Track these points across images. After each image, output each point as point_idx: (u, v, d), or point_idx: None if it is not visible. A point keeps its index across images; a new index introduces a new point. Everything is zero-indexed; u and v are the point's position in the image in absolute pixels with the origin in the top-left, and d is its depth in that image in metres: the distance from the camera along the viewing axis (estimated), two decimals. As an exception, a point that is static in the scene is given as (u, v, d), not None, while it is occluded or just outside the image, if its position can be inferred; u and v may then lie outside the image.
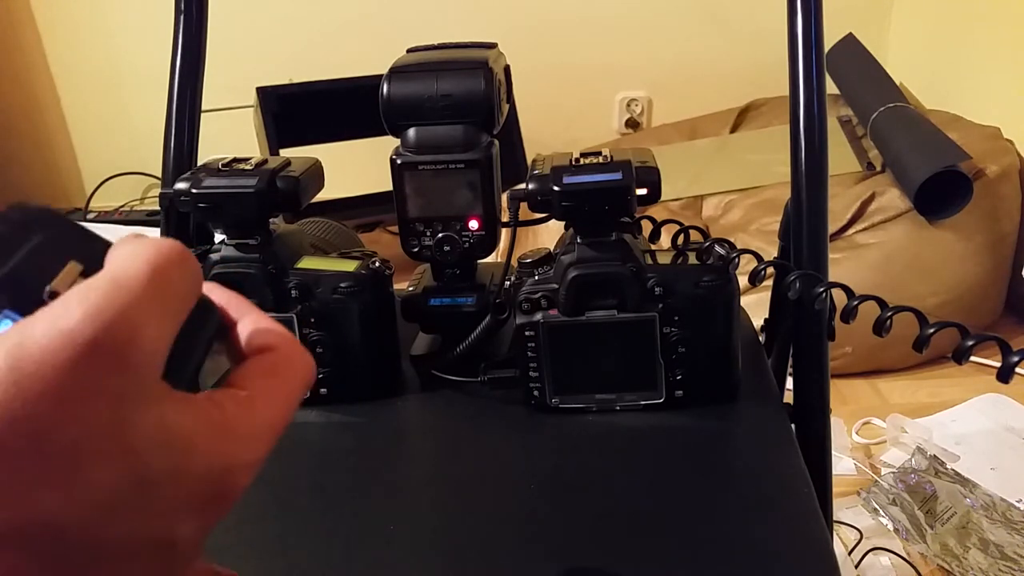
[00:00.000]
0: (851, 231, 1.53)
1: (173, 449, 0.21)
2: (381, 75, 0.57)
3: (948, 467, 1.21)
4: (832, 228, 1.37)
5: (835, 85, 1.93)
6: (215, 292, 0.27)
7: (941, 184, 1.46)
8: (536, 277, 0.54)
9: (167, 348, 0.22)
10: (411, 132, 0.58)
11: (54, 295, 0.21)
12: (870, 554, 1.06)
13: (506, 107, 0.61)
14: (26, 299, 0.21)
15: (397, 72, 0.57)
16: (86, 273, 0.22)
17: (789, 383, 0.63)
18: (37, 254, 0.22)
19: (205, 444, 0.22)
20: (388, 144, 0.60)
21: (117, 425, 0.20)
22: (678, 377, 0.55)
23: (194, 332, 0.24)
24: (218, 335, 0.26)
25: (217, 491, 0.23)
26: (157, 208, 0.62)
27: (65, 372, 0.19)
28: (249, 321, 0.27)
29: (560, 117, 2.24)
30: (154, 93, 0.64)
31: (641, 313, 0.53)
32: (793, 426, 0.57)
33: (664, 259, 0.55)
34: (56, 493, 0.20)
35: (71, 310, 0.20)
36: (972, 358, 0.43)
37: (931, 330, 0.44)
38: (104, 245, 0.23)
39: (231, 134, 1.66)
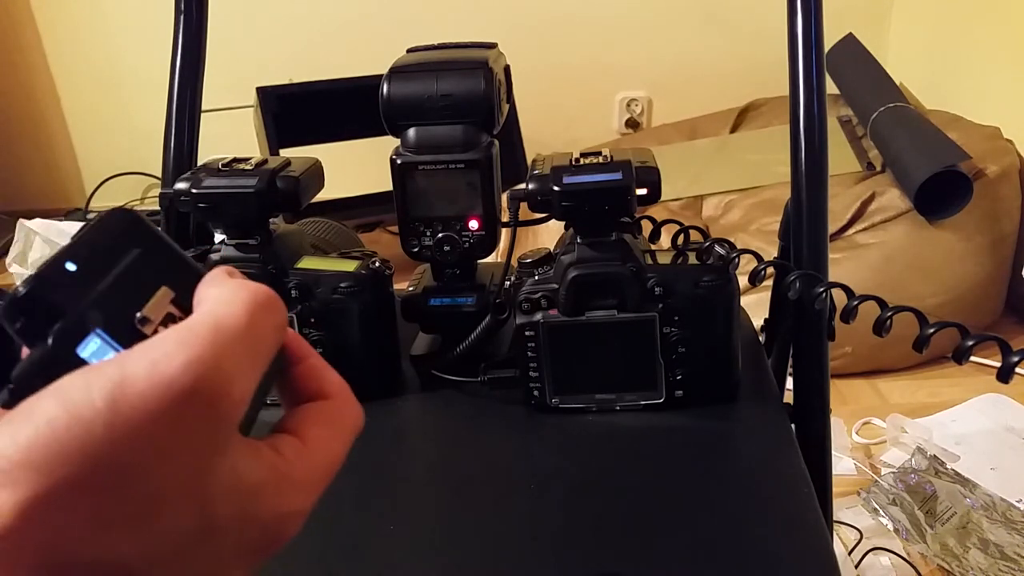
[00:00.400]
0: (851, 231, 1.53)
1: (241, 496, 0.22)
2: (381, 75, 0.57)
3: (948, 467, 1.21)
4: (832, 228, 1.37)
5: (835, 85, 1.93)
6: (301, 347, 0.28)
7: (941, 184, 1.46)
8: (536, 277, 0.54)
9: (251, 397, 0.22)
10: (411, 132, 0.58)
11: (144, 321, 0.22)
12: (870, 554, 1.06)
13: (506, 107, 0.61)
14: (118, 320, 0.21)
15: (397, 72, 0.57)
16: (176, 301, 0.22)
17: (789, 383, 0.63)
18: (132, 272, 0.22)
19: (269, 492, 0.22)
20: (388, 144, 0.60)
21: (198, 474, 0.20)
22: (678, 377, 0.55)
23: (268, 377, 0.24)
24: (279, 375, 0.26)
25: (272, 537, 0.23)
26: (157, 208, 0.61)
27: (160, 421, 0.19)
28: (308, 365, 0.28)
29: (560, 117, 2.24)
30: (154, 93, 0.64)
31: (641, 313, 0.53)
32: (793, 426, 0.57)
33: (664, 259, 0.55)
34: (130, 535, 0.20)
35: (172, 356, 0.20)
36: (972, 358, 0.43)
37: (931, 330, 0.44)
38: (196, 273, 0.23)
39: (231, 134, 1.66)
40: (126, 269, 0.22)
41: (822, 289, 0.50)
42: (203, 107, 0.70)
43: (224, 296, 0.22)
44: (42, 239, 1.82)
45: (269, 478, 0.23)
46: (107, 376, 0.19)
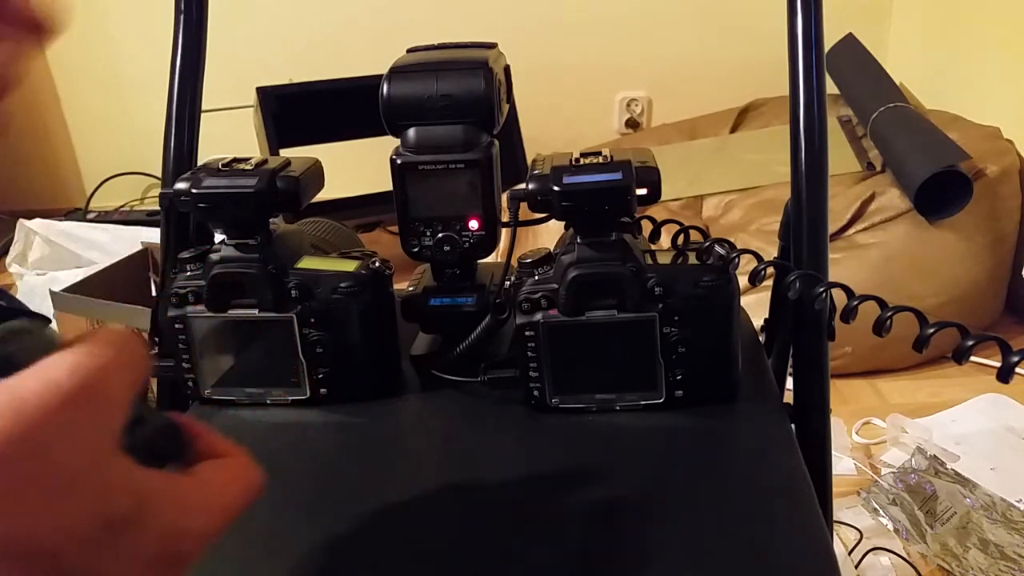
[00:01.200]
0: (851, 231, 1.53)
1: (135, 497, 0.24)
2: (381, 75, 0.57)
3: (948, 467, 1.21)
4: (832, 228, 1.37)
5: (835, 85, 1.93)
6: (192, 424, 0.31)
7: (941, 184, 1.46)
8: (536, 277, 0.54)
9: (126, 409, 0.25)
10: (411, 132, 0.58)
11: None
12: (870, 554, 1.06)
13: (506, 107, 0.61)
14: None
15: (397, 72, 0.57)
16: None
17: (789, 383, 0.63)
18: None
19: (160, 503, 0.25)
20: (388, 144, 0.60)
21: (96, 460, 0.24)
22: (678, 377, 0.55)
23: (149, 418, 0.28)
24: (180, 447, 0.30)
25: (171, 553, 0.25)
26: (157, 208, 0.62)
27: (55, 408, 0.23)
28: (207, 436, 0.31)
29: (560, 117, 2.24)
30: (154, 93, 0.64)
31: (641, 313, 0.53)
32: (793, 426, 0.57)
33: (664, 259, 0.55)
34: (48, 515, 0.23)
35: (58, 364, 0.24)
36: (972, 358, 0.43)
37: (931, 330, 0.44)
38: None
39: (231, 134, 1.66)
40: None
41: (822, 289, 0.50)
42: (203, 107, 0.70)
43: (94, 338, 0.26)
44: (42, 239, 1.82)
45: (164, 488, 0.26)
46: (7, 383, 0.24)
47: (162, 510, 0.25)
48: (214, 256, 0.57)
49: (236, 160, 0.56)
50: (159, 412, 0.29)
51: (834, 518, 0.90)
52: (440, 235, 0.60)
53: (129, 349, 0.26)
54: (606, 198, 0.51)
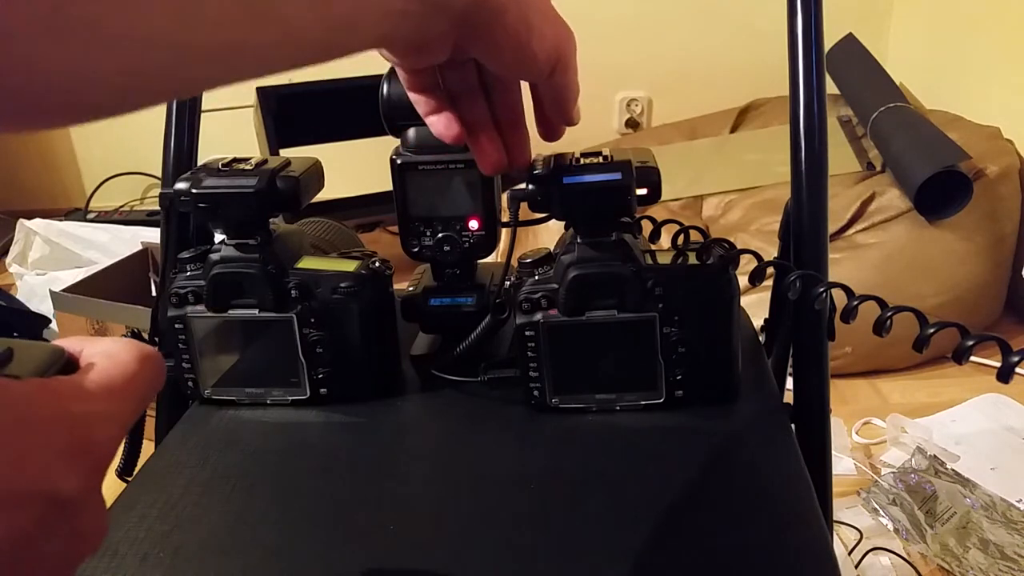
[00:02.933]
0: (851, 231, 1.53)
1: (8, 404, 0.24)
2: (381, 75, 0.57)
3: (948, 467, 1.21)
4: (832, 228, 1.37)
5: (835, 85, 1.93)
6: (72, 343, 0.30)
7: (941, 184, 1.46)
8: (536, 277, 0.54)
9: None
10: (411, 132, 0.58)
11: None
12: (870, 554, 1.06)
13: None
14: None
15: (397, 72, 0.57)
16: None
17: (789, 383, 0.63)
18: None
19: (41, 398, 0.25)
20: (388, 144, 0.60)
21: None
22: (678, 377, 0.55)
23: (26, 350, 0.28)
24: (66, 365, 0.30)
25: (77, 440, 0.25)
26: (157, 208, 0.62)
27: None
28: (89, 344, 0.30)
29: (560, 117, 2.23)
30: (154, 93, 0.63)
31: (641, 313, 0.53)
32: (793, 426, 0.57)
33: (664, 259, 0.55)
34: None
35: None
36: (972, 358, 0.43)
37: (931, 330, 0.44)
38: None
39: (231, 134, 1.66)
40: None
41: (822, 289, 0.50)
42: (203, 107, 0.70)
43: None
44: (42, 239, 1.82)
45: (34, 389, 0.25)
46: None
47: (42, 404, 0.25)
48: (214, 256, 0.57)
49: (236, 160, 0.56)
50: (32, 343, 0.29)
51: (834, 518, 0.90)
52: (440, 235, 0.60)
53: None
54: (606, 198, 0.51)
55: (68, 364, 0.29)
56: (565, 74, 0.41)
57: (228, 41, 0.27)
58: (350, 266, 0.58)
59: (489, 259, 0.64)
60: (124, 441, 0.62)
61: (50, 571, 0.25)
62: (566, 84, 0.42)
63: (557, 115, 0.44)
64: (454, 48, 0.38)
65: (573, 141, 0.48)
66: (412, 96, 0.45)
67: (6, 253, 1.90)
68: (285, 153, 1.28)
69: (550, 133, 0.47)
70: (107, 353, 0.29)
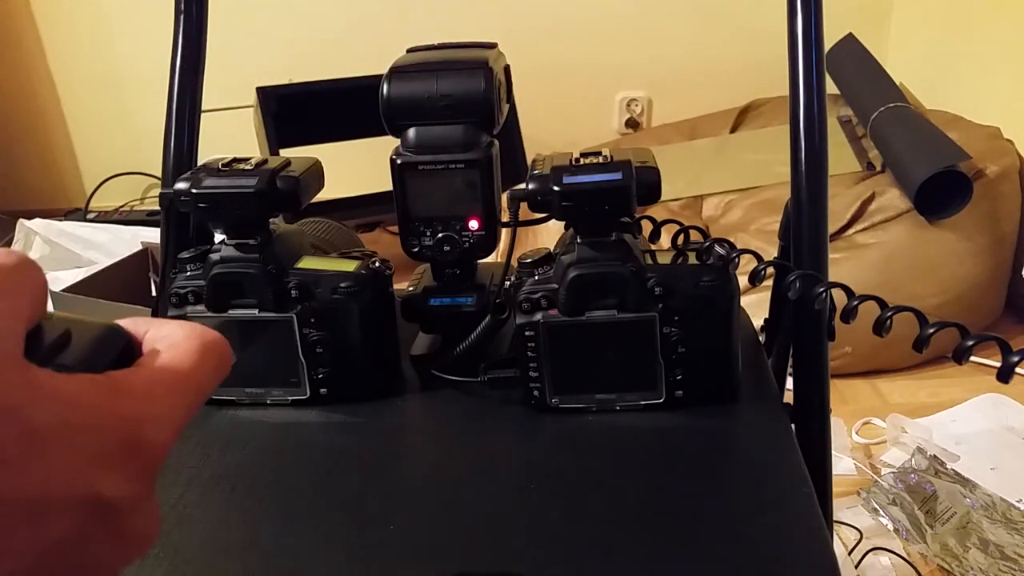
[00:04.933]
0: (851, 231, 1.53)
1: (56, 404, 0.23)
2: (381, 75, 0.57)
3: (948, 467, 1.21)
4: (832, 228, 1.37)
5: (835, 85, 1.93)
6: (137, 324, 0.29)
7: (941, 184, 1.46)
8: (536, 277, 0.54)
9: (20, 328, 0.24)
10: (411, 132, 0.58)
11: None
12: (870, 554, 1.06)
13: (506, 107, 0.61)
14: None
15: (397, 72, 0.57)
16: None
17: (789, 383, 0.63)
18: None
19: (91, 399, 0.24)
20: (388, 144, 0.60)
21: None
22: (678, 377, 0.55)
23: (78, 332, 0.26)
24: (124, 351, 0.27)
25: (127, 443, 0.24)
26: (157, 208, 0.62)
27: None
28: (154, 328, 0.28)
29: (560, 117, 2.24)
30: (154, 93, 0.64)
31: (641, 313, 0.53)
32: (793, 426, 0.57)
33: (664, 259, 0.55)
34: None
35: None
36: (972, 358, 0.43)
37: (931, 330, 0.44)
38: None
39: (231, 134, 1.66)
40: None
41: (822, 289, 0.50)
42: (203, 107, 0.70)
43: None
44: (42, 239, 1.82)
45: (86, 388, 0.24)
46: None
47: (92, 405, 0.24)
48: (214, 256, 0.57)
49: (236, 160, 0.56)
50: (91, 322, 0.26)
51: (834, 518, 0.90)
52: (440, 235, 0.60)
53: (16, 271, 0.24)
54: (606, 198, 0.51)
55: (127, 349, 0.27)
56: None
57: None
58: (350, 266, 0.58)
59: (489, 259, 0.64)
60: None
61: (96, 575, 0.25)
62: None
63: None
64: None
65: (573, 141, 0.48)
66: None
67: (6, 253, 1.89)
68: (285, 153, 1.28)
69: None
70: (170, 341, 0.27)
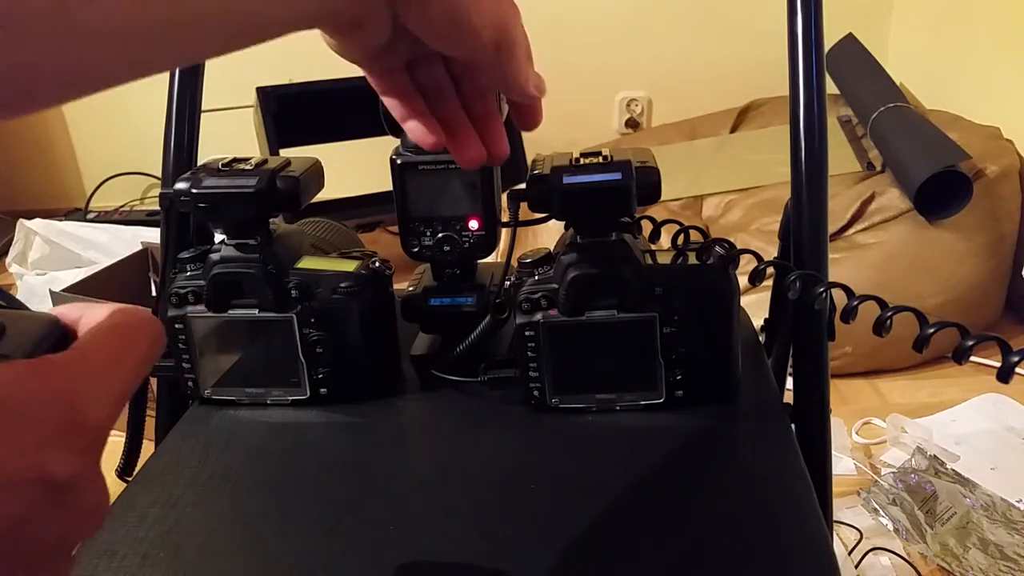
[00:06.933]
0: (851, 231, 1.53)
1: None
2: (381, 75, 0.57)
3: (948, 467, 1.21)
4: (832, 228, 1.37)
5: (835, 85, 1.93)
6: (71, 311, 0.30)
7: (941, 184, 1.46)
8: (536, 277, 0.54)
9: None
10: (411, 132, 0.58)
11: None
12: (870, 554, 1.06)
13: (506, 107, 0.61)
14: None
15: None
16: None
17: (789, 383, 0.63)
18: None
19: (28, 383, 0.24)
20: (388, 144, 0.59)
21: None
22: (678, 377, 0.55)
23: (18, 323, 0.27)
24: (60, 338, 0.28)
25: (68, 422, 0.25)
26: (157, 208, 0.62)
27: None
28: (88, 312, 0.29)
29: (560, 117, 2.22)
30: (154, 93, 0.64)
31: (641, 313, 0.53)
32: (793, 426, 0.57)
33: (664, 259, 0.55)
34: None
35: None
36: (972, 358, 0.43)
37: (931, 330, 0.44)
38: None
39: (231, 134, 1.66)
40: None
41: (822, 289, 0.50)
42: (203, 107, 0.70)
43: None
44: (42, 239, 1.82)
45: (20, 368, 0.25)
46: None
47: (22, 387, 0.24)
48: (214, 256, 0.57)
49: (236, 160, 0.56)
50: (26, 315, 0.28)
51: (834, 518, 0.90)
52: (440, 235, 0.60)
53: None
54: (606, 198, 0.51)
55: (63, 337, 0.28)
56: (512, 51, 0.41)
57: (145, 19, 0.27)
58: (350, 266, 0.58)
59: (489, 259, 0.64)
60: (125, 440, 0.62)
61: (49, 553, 0.25)
62: (514, 61, 0.41)
63: (516, 95, 0.43)
64: (397, 28, 0.37)
65: (573, 141, 0.48)
66: (386, 101, 0.45)
67: (6, 253, 1.90)
68: (285, 153, 1.28)
69: (524, 119, 0.46)
70: (103, 322, 0.28)
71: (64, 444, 0.25)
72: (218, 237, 0.58)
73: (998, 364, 0.40)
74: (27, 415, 0.24)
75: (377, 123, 0.58)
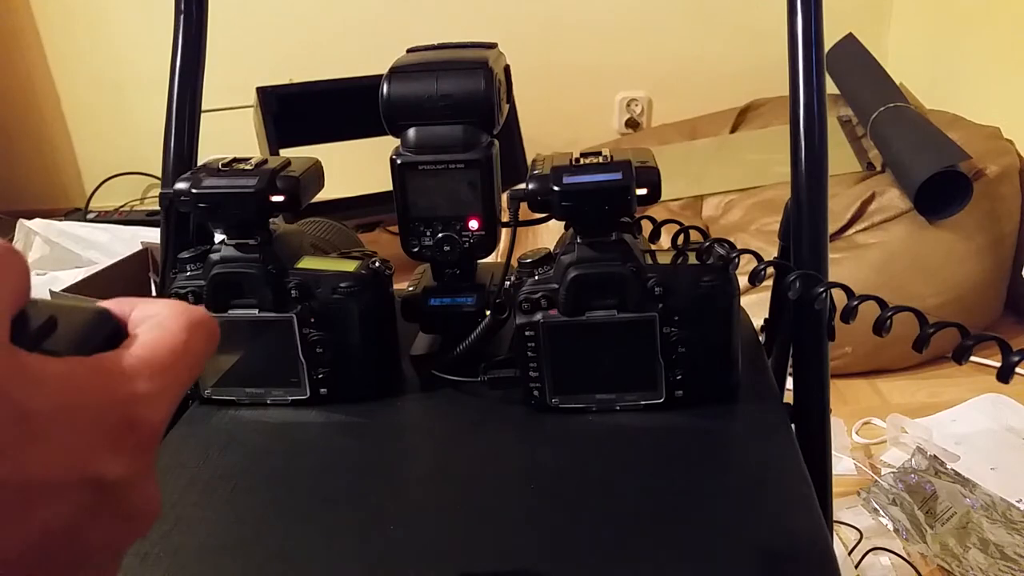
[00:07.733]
0: (851, 231, 1.53)
1: (46, 387, 0.23)
2: (381, 75, 0.57)
3: (948, 467, 1.21)
4: (832, 228, 1.37)
5: (835, 85, 1.93)
6: (122, 305, 0.29)
7: (941, 184, 1.46)
8: (536, 277, 0.54)
9: (3, 314, 0.23)
10: (411, 132, 0.58)
11: None
12: (870, 554, 1.06)
13: (506, 107, 0.61)
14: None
15: (397, 72, 0.57)
16: None
17: (789, 383, 0.63)
18: None
19: (82, 382, 0.24)
20: (388, 144, 0.60)
21: None
22: (678, 377, 0.55)
23: (64, 317, 0.26)
24: (112, 333, 0.27)
25: (121, 423, 0.24)
26: (157, 208, 0.62)
27: None
28: (140, 307, 0.28)
29: (560, 117, 2.24)
30: (154, 93, 0.64)
31: (641, 313, 0.53)
32: (793, 426, 0.57)
33: (664, 259, 0.55)
34: None
35: None
36: (972, 358, 0.43)
37: (931, 330, 0.44)
38: None
39: (231, 134, 1.65)
40: None
41: (822, 289, 0.50)
42: (203, 107, 0.70)
43: None
44: (42, 239, 1.82)
45: (78, 369, 0.24)
46: None
47: (84, 388, 0.24)
48: (214, 256, 0.57)
49: (236, 160, 0.56)
50: (77, 306, 0.26)
51: (834, 518, 0.90)
52: (440, 235, 0.60)
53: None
54: (606, 198, 0.51)
55: (115, 332, 0.27)
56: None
57: None
58: (350, 266, 0.58)
59: (489, 259, 0.64)
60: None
61: (98, 555, 0.25)
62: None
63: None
64: None
65: (573, 141, 0.48)
66: None
67: (6, 253, 1.89)
68: (285, 153, 1.28)
69: None
70: (157, 320, 0.27)
71: (118, 445, 0.24)
72: (218, 237, 0.58)
73: (998, 364, 0.40)
74: (77, 416, 0.23)
75: (377, 123, 0.58)
